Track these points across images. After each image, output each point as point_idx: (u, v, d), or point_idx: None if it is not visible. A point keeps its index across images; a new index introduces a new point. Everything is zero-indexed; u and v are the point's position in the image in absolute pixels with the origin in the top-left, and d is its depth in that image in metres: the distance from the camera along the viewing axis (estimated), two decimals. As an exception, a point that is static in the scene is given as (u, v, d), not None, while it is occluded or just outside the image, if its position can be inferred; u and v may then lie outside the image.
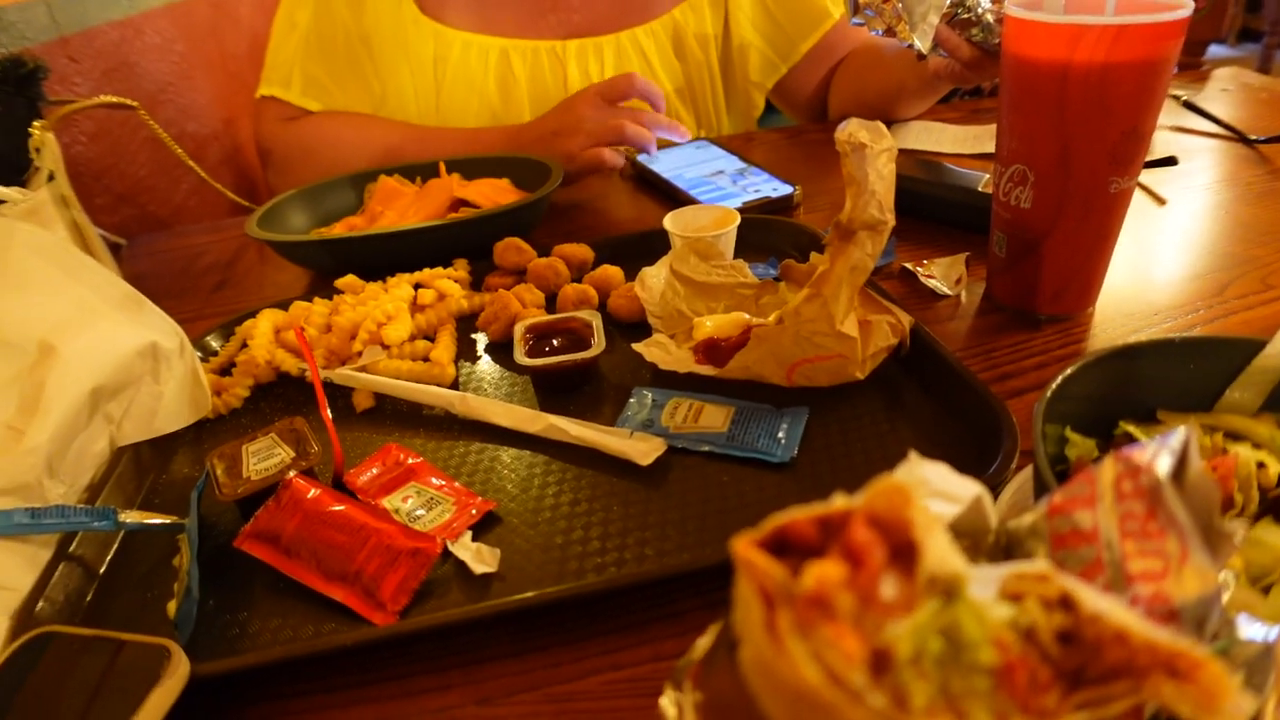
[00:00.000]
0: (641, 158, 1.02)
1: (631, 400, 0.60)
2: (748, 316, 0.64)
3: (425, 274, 0.75)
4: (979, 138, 1.05)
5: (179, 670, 0.41)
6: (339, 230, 0.90)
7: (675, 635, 0.44)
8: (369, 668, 0.44)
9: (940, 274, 0.73)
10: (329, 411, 0.57)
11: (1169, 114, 1.09)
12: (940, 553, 0.24)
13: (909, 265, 0.75)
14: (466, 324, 0.74)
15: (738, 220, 0.74)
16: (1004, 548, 0.33)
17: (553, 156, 0.95)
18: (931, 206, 0.83)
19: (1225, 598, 0.30)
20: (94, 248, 0.79)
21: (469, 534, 0.50)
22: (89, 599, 0.51)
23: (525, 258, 0.77)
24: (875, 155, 0.50)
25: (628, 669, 0.43)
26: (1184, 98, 1.12)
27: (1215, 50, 4.16)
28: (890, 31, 0.88)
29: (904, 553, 0.24)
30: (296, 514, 0.50)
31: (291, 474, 0.52)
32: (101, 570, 0.53)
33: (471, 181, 0.92)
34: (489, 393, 0.65)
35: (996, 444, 0.50)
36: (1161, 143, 1.01)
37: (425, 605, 0.47)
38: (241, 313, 0.77)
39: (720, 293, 0.68)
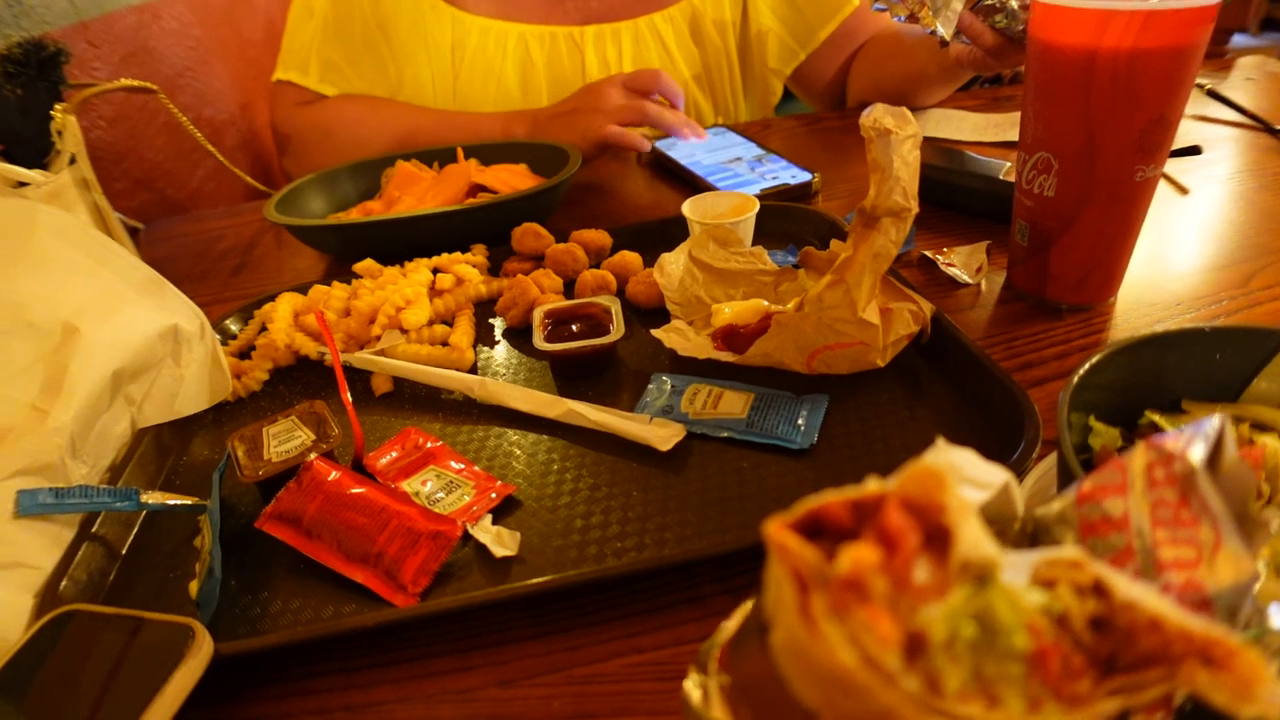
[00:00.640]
0: (659, 144, 1.02)
1: (650, 386, 0.60)
2: (766, 303, 0.64)
3: (443, 259, 0.75)
4: (999, 125, 1.05)
5: (203, 650, 0.41)
6: (356, 215, 0.90)
7: (696, 619, 0.44)
8: (390, 649, 0.44)
9: (961, 262, 0.73)
10: (349, 395, 0.58)
11: (1192, 102, 1.08)
12: (973, 538, 0.24)
13: (929, 253, 0.75)
14: (484, 309, 0.74)
15: (757, 207, 0.74)
16: (1030, 535, 0.33)
17: (571, 134, 0.95)
18: (952, 194, 0.82)
19: (1256, 587, 0.30)
20: (114, 231, 0.80)
21: (489, 517, 0.51)
22: (111, 578, 0.51)
23: (543, 243, 0.77)
24: (900, 141, 0.50)
25: (649, 652, 0.43)
26: (1208, 86, 1.10)
27: (1238, 40, 4.11)
28: (913, 18, 0.87)
29: (937, 537, 0.24)
30: (317, 496, 0.50)
31: (312, 456, 0.53)
32: (124, 550, 0.53)
33: (489, 167, 0.92)
34: (507, 377, 0.65)
35: (1018, 432, 0.50)
36: (1184, 131, 1.00)
37: (446, 587, 0.47)
38: (260, 296, 0.77)
39: (739, 279, 0.67)
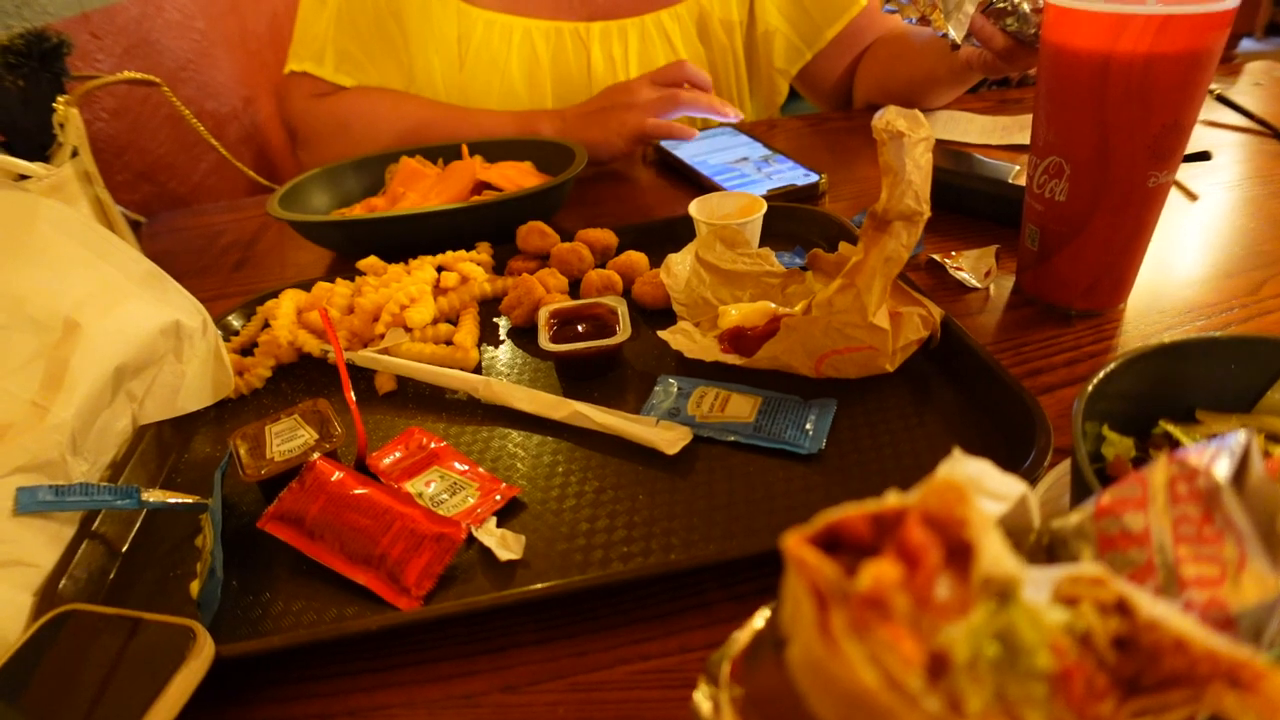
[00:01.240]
0: (665, 143, 1.01)
1: (657, 388, 0.60)
2: (774, 306, 0.63)
3: (448, 256, 0.74)
4: (1007, 128, 1.04)
5: (204, 652, 0.41)
6: (359, 211, 0.89)
7: (702, 626, 0.43)
8: (394, 652, 0.44)
9: (969, 266, 0.72)
10: (353, 394, 0.57)
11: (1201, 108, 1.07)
12: (995, 553, 0.23)
13: (937, 257, 0.74)
14: (488, 308, 0.74)
15: (764, 208, 0.73)
16: (1046, 547, 0.32)
17: (604, 132, 0.95)
18: (961, 198, 0.82)
19: None
20: (116, 224, 0.79)
21: (493, 520, 0.50)
22: (112, 577, 0.51)
23: (548, 242, 0.76)
24: (913, 144, 0.49)
25: (655, 659, 0.42)
26: (1217, 91, 1.10)
27: (1245, 44, 4.10)
28: (924, 20, 0.87)
29: (958, 553, 0.23)
30: (320, 496, 0.50)
31: (315, 456, 0.52)
32: (124, 548, 0.53)
33: (493, 164, 0.91)
34: (511, 377, 0.64)
35: (1029, 440, 0.49)
36: (1193, 137, 0.99)
37: (449, 591, 0.46)
38: (262, 292, 0.77)
39: (746, 281, 0.67)
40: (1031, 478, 0.47)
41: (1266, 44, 4.28)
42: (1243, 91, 1.13)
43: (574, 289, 0.73)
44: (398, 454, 0.56)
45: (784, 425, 0.54)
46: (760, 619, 0.30)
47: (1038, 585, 0.25)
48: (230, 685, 0.43)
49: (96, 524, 0.52)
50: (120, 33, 1.17)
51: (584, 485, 0.53)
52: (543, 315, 0.65)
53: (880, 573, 0.21)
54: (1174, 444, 0.43)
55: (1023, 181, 0.79)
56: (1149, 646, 0.23)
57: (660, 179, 1.02)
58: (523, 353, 0.67)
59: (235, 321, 0.74)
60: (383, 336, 0.66)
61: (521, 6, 1.10)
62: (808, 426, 0.54)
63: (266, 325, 0.72)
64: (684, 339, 0.62)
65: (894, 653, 0.20)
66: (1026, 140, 0.99)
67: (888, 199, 0.50)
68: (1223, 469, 0.27)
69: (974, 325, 0.66)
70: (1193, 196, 0.86)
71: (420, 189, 0.88)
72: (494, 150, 0.94)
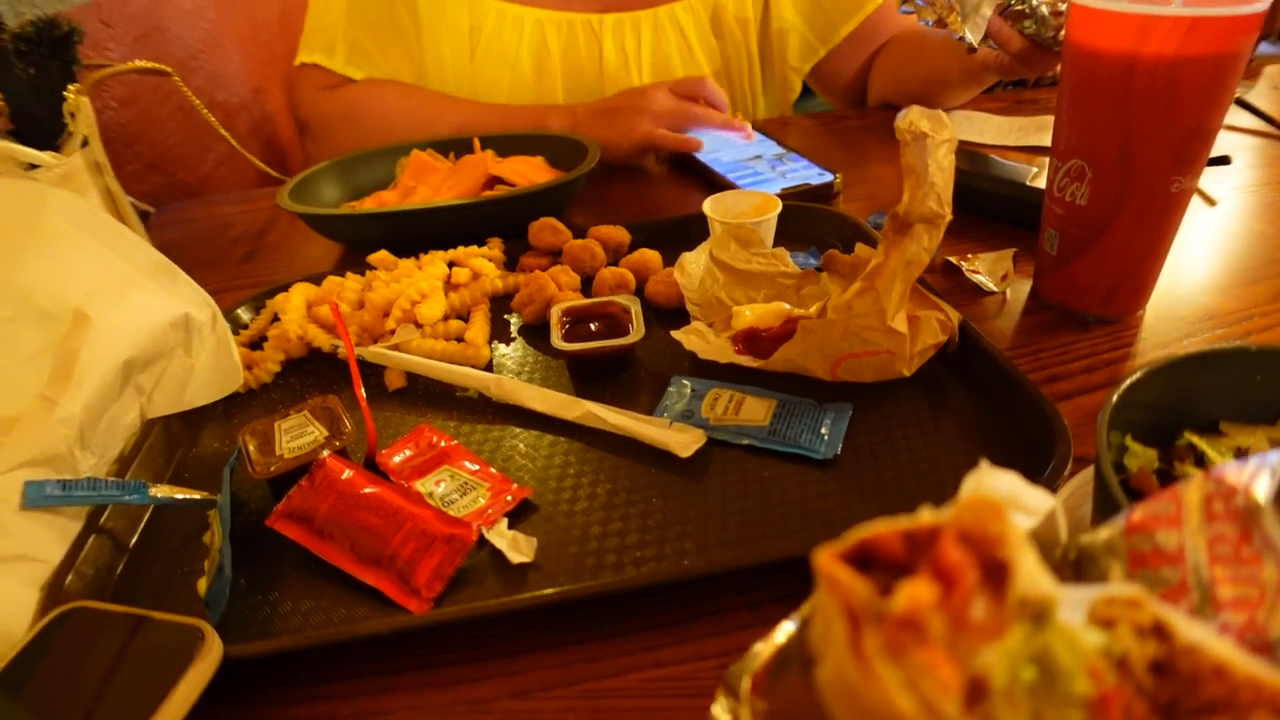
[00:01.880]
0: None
1: (670, 389, 0.59)
2: (788, 306, 0.62)
3: (460, 252, 0.74)
4: (1024, 129, 1.03)
5: (212, 652, 0.40)
6: (370, 204, 0.89)
7: (717, 634, 0.43)
8: (403, 654, 0.43)
9: (986, 269, 0.72)
10: (363, 390, 0.57)
11: (1220, 111, 1.06)
12: (1031, 572, 0.23)
13: (954, 259, 0.73)
14: (499, 304, 0.73)
15: (779, 207, 0.72)
16: (1074, 562, 0.32)
17: (613, 133, 0.94)
18: (978, 200, 0.81)
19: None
20: (126, 215, 0.78)
21: (504, 521, 0.49)
22: (119, 573, 0.50)
23: (561, 238, 0.76)
24: (936, 146, 0.48)
25: (668, 667, 0.42)
26: (1236, 95, 1.08)
27: (1263, 48, 4.07)
28: (941, 22, 0.86)
29: (992, 571, 0.23)
30: (330, 494, 0.49)
31: (325, 453, 0.52)
32: (131, 544, 0.52)
33: (505, 159, 0.91)
34: (522, 375, 0.64)
35: (1048, 449, 0.49)
36: (1213, 139, 0.98)
37: (460, 593, 0.46)
38: (271, 284, 0.76)
39: (760, 281, 0.66)
40: (1051, 487, 0.46)
41: (1277, 48, 4.25)
42: (1261, 95, 1.11)
43: (586, 286, 0.73)
44: (408, 452, 0.56)
45: (799, 429, 0.54)
46: (782, 633, 0.30)
47: (1073, 606, 0.24)
48: (237, 685, 0.42)
49: (104, 519, 0.51)
50: (131, 21, 1.16)
51: (596, 487, 0.52)
52: (555, 313, 0.64)
53: (916, 593, 0.21)
54: (1198, 455, 0.43)
55: (1040, 184, 0.79)
56: (1188, 672, 0.23)
57: (673, 176, 1.01)
58: (534, 350, 0.67)
59: (244, 314, 0.74)
60: (393, 332, 0.66)
61: (534, -3, 1.10)
62: (823, 431, 0.53)
63: (275, 319, 0.71)
64: (698, 339, 0.61)
65: (931, 677, 0.20)
66: (1043, 142, 0.98)
67: (909, 201, 0.50)
68: (1263, 488, 0.26)
69: (990, 330, 0.65)
70: (1211, 201, 0.85)
71: (431, 183, 0.88)
72: (506, 145, 0.94)
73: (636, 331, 0.61)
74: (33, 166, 0.69)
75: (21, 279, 0.53)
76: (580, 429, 0.57)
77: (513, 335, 0.69)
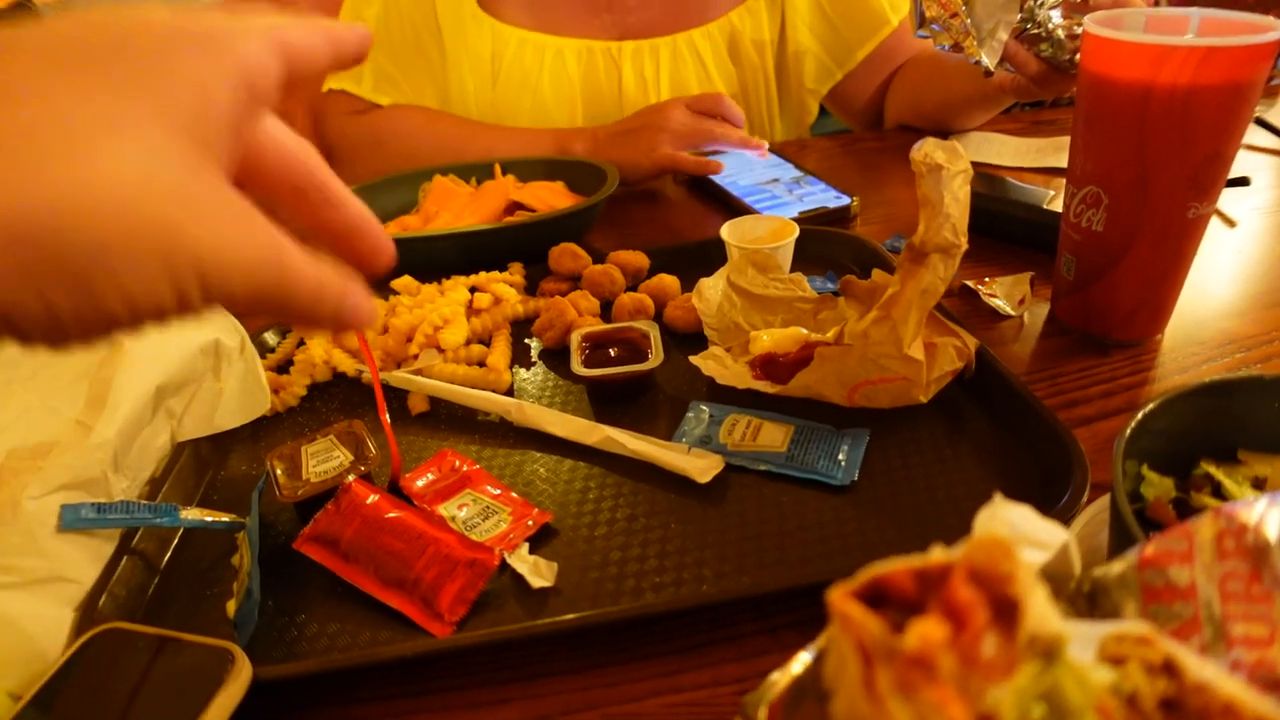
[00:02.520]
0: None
1: (689, 414, 0.60)
2: (805, 331, 0.63)
3: (481, 277, 0.75)
4: (1041, 150, 1.03)
5: (242, 674, 0.41)
6: (393, 229, 0.90)
7: (735, 660, 0.43)
8: (427, 677, 0.44)
9: (1003, 293, 0.72)
10: (387, 415, 0.58)
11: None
12: (1041, 611, 0.23)
13: (970, 283, 0.74)
14: (520, 328, 0.74)
15: (796, 232, 0.73)
16: (1088, 595, 0.32)
17: (634, 153, 0.96)
18: (994, 223, 0.81)
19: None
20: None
21: (526, 545, 0.50)
22: (150, 593, 0.51)
23: (580, 264, 0.77)
24: (951, 177, 0.49)
25: (687, 692, 0.42)
26: (1255, 114, 1.08)
27: None
28: (957, 47, 0.87)
29: (1003, 609, 0.23)
30: (355, 519, 0.50)
31: (351, 478, 0.53)
32: (162, 565, 0.53)
33: (526, 184, 0.92)
34: (542, 399, 0.65)
35: (1065, 476, 0.49)
36: (1232, 161, 0.98)
37: (482, 617, 0.47)
38: (297, 309, 0.78)
39: (778, 306, 0.67)
40: (1068, 516, 0.46)
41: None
42: (1279, 115, 1.11)
43: (605, 311, 0.74)
44: (430, 476, 0.57)
45: (816, 455, 0.54)
46: (798, 664, 0.30)
47: (1083, 643, 0.25)
48: (264, 705, 0.43)
49: (135, 541, 0.53)
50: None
51: (615, 512, 0.53)
52: (575, 339, 0.65)
53: (927, 632, 0.21)
54: (1215, 485, 0.43)
55: (1057, 207, 0.79)
56: (1197, 710, 0.23)
57: (691, 199, 1.02)
58: (554, 375, 0.68)
59: (270, 339, 0.75)
60: (416, 357, 0.67)
61: (554, 25, 1.12)
62: (840, 457, 0.54)
63: (301, 343, 0.73)
64: (715, 365, 0.62)
65: (942, 715, 0.20)
66: (1060, 163, 0.98)
67: (925, 231, 0.50)
68: (1273, 527, 0.27)
69: (1008, 354, 0.66)
70: (1231, 223, 0.85)
71: (453, 208, 0.89)
72: (526, 170, 0.95)
73: (656, 357, 0.62)
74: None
75: (59, 308, 0.55)
76: (600, 454, 0.58)
77: (533, 360, 0.70)
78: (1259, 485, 0.42)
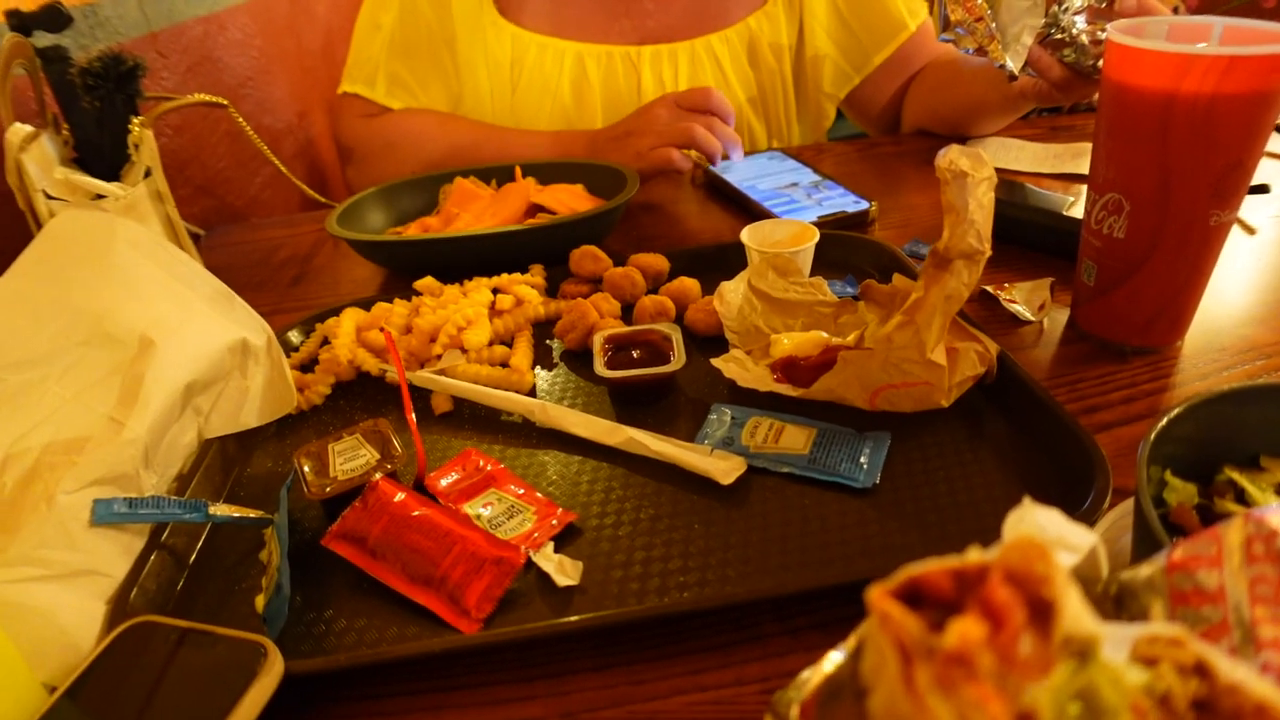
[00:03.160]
0: (714, 166, 1.02)
1: (711, 416, 0.60)
2: (826, 335, 0.63)
3: (504, 279, 0.75)
4: (1060, 156, 1.03)
5: (274, 668, 0.42)
6: (413, 230, 0.91)
7: (758, 659, 0.44)
8: (454, 673, 0.45)
9: (1023, 299, 0.72)
10: (413, 414, 0.58)
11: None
12: (1076, 611, 0.24)
13: (990, 289, 0.74)
14: (541, 330, 0.75)
15: (816, 236, 0.74)
16: (1115, 597, 0.33)
17: (625, 156, 0.96)
18: (1014, 229, 0.81)
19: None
20: (184, 242, 0.82)
21: (550, 544, 0.51)
22: (179, 588, 0.52)
23: (601, 266, 0.77)
24: (976, 184, 0.49)
25: (711, 690, 0.43)
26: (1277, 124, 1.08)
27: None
28: (981, 51, 0.87)
29: (1038, 609, 0.23)
30: (383, 517, 0.51)
31: (377, 476, 0.53)
32: (191, 560, 0.54)
33: (546, 186, 0.93)
34: (564, 400, 0.65)
35: (1087, 481, 0.49)
36: (1251, 169, 0.98)
37: (508, 615, 0.47)
38: (318, 307, 0.79)
39: (798, 310, 0.67)
40: (1090, 520, 0.47)
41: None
42: (1301, 122, 1.11)
43: (626, 313, 0.74)
44: (455, 475, 0.57)
45: (839, 458, 0.55)
46: (830, 662, 0.31)
47: (1116, 644, 0.25)
48: (293, 699, 0.44)
49: (165, 536, 0.54)
50: (185, 51, 1.21)
51: (639, 513, 0.53)
52: (597, 341, 0.66)
53: (967, 630, 0.22)
54: (1238, 491, 0.43)
55: (1076, 213, 0.79)
56: (1229, 710, 0.24)
57: (709, 202, 1.03)
58: (575, 376, 0.68)
59: (295, 338, 0.76)
60: (440, 357, 0.68)
61: (573, 31, 1.12)
62: (862, 460, 0.54)
63: (325, 342, 0.73)
64: (736, 367, 0.63)
65: (981, 712, 0.21)
66: (1080, 169, 0.99)
67: (949, 237, 0.51)
68: (1303, 531, 0.27)
69: (1028, 360, 0.66)
70: (1251, 230, 0.85)
71: (474, 210, 0.90)
72: (547, 172, 0.96)
73: (678, 360, 0.63)
74: (99, 196, 0.72)
75: (94, 306, 0.56)
76: (622, 455, 0.58)
77: (555, 361, 0.71)
78: (1282, 491, 0.43)
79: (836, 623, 0.45)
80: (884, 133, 1.28)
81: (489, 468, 0.58)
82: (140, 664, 0.43)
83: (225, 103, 0.88)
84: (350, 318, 0.72)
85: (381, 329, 0.68)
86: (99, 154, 0.78)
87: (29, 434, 0.51)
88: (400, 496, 0.52)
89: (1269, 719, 0.23)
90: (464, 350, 0.68)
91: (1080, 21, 0.84)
